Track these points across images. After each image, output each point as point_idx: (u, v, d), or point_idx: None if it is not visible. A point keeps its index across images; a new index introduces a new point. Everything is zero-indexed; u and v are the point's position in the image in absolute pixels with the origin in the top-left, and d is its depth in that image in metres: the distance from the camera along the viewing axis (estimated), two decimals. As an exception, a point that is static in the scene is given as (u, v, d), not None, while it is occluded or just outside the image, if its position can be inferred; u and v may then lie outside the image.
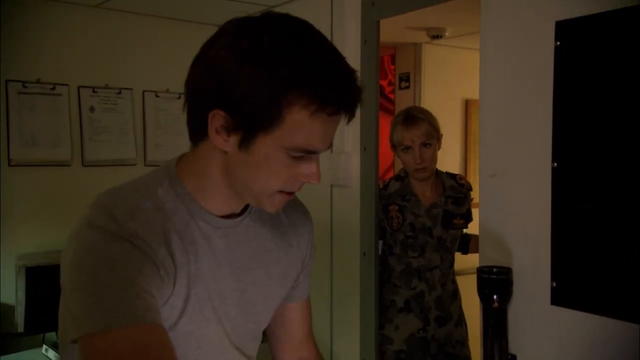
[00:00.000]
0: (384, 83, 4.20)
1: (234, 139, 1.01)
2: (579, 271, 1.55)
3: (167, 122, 3.38)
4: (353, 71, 1.02)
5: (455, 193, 2.70)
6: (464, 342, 2.73)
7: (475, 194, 2.56)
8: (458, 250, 2.78)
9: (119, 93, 3.22)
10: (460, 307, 2.74)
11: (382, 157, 2.80)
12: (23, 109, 2.93)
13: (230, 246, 1.13)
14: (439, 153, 2.68)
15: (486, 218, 1.79)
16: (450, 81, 3.96)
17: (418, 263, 2.62)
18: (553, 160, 1.59)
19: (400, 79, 4.04)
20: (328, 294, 2.81)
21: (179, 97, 3.42)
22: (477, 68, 1.82)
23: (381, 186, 2.68)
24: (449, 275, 2.70)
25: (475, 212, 2.38)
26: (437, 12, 3.13)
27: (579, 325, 1.56)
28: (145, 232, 1.00)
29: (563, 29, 1.55)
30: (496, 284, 1.64)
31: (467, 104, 4.08)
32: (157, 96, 3.35)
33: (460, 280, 2.75)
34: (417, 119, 2.59)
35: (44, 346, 2.73)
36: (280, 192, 1.06)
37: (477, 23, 1.84)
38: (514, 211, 1.72)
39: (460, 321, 2.73)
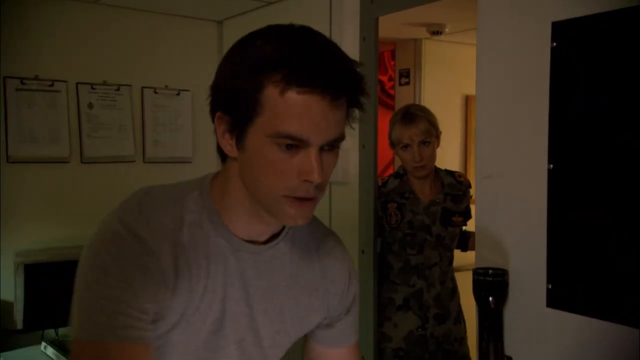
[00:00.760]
0: (384, 78, 4.18)
1: (234, 141, 1.02)
2: (575, 274, 1.55)
3: (165, 118, 3.38)
4: (340, 56, 0.98)
5: (454, 190, 2.69)
6: (462, 339, 2.72)
7: (474, 192, 2.55)
8: (457, 248, 2.78)
9: (118, 89, 3.21)
10: (459, 305, 2.73)
11: (382, 154, 2.79)
12: (21, 105, 2.93)
13: (247, 271, 1.10)
14: (439, 150, 2.67)
15: (482, 219, 1.78)
16: (451, 77, 3.95)
17: (417, 261, 2.61)
18: (549, 162, 1.59)
19: (400, 75, 4.03)
20: (326, 291, 2.81)
21: (178, 94, 3.41)
22: (476, 65, 1.81)
23: (380, 184, 2.67)
24: (447, 272, 2.69)
25: (474, 210, 2.37)
26: (436, 9, 3.12)
27: (575, 328, 1.55)
28: (154, 240, 1.00)
29: (559, 29, 1.54)
30: (492, 285, 1.63)
31: (468, 100, 4.07)
32: (155, 93, 3.34)
33: (459, 277, 2.74)
34: (416, 117, 2.57)
35: (43, 343, 2.74)
36: (287, 197, 1.00)
37: (476, 19, 1.83)
38: (510, 213, 1.71)
39: (459, 319, 2.73)
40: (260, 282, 1.11)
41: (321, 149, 0.98)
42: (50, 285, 2.83)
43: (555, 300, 1.58)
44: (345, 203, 2.64)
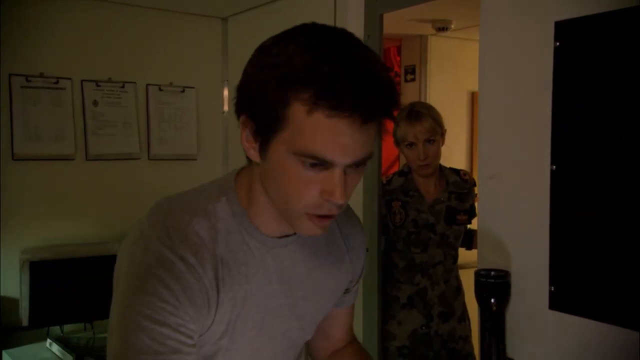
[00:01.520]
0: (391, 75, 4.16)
1: (257, 147, 0.99)
2: (578, 276, 1.53)
3: (170, 115, 3.37)
4: (376, 72, 0.91)
5: (459, 189, 2.68)
6: (467, 338, 2.71)
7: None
8: (462, 246, 2.77)
9: (123, 87, 3.21)
10: (464, 303, 2.73)
11: (387, 151, 2.78)
12: (26, 103, 2.93)
13: (283, 265, 1.12)
14: (444, 148, 2.65)
15: (485, 220, 1.77)
16: (457, 73, 3.93)
17: (421, 259, 2.60)
18: (552, 163, 1.57)
19: (406, 72, 4.01)
20: (331, 289, 2.80)
21: (183, 91, 3.41)
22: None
23: (384, 181, 2.66)
24: (452, 271, 2.68)
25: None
26: (442, 5, 3.10)
27: (577, 330, 1.54)
28: (195, 257, 1.00)
29: (563, 29, 1.52)
30: (494, 287, 1.62)
31: (474, 97, 4.04)
32: (160, 90, 3.34)
33: (463, 275, 2.73)
34: (421, 115, 2.56)
35: (48, 340, 2.75)
36: (308, 213, 0.97)
37: (481, 17, 1.82)
38: (512, 214, 1.69)
39: (464, 317, 2.72)
40: (297, 270, 1.14)
41: (347, 167, 0.94)
42: (55, 283, 2.84)
43: (557, 302, 1.57)
44: (349, 201, 2.63)
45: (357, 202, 2.56)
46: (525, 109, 1.66)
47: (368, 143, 0.94)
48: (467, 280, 2.69)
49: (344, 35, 0.96)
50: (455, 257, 2.69)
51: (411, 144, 2.56)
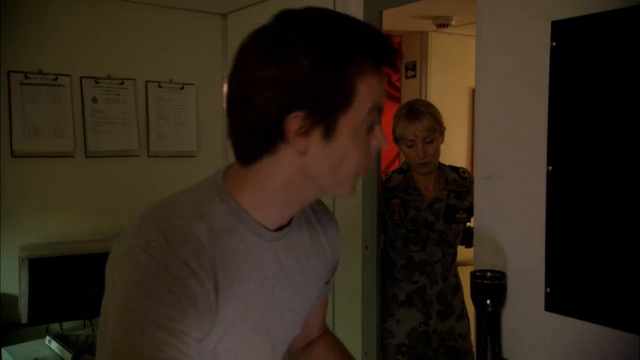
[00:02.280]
0: (391, 71, 4.15)
1: (316, 135, 1.00)
2: (574, 277, 1.52)
3: (170, 112, 3.37)
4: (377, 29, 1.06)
5: (458, 187, 2.67)
6: (466, 335, 2.71)
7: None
8: (461, 244, 2.76)
9: (122, 83, 3.21)
10: (463, 301, 2.72)
11: (386, 149, 2.77)
12: (25, 99, 2.93)
13: (277, 258, 1.13)
14: (445, 145, 2.64)
15: (481, 221, 1.76)
16: (457, 70, 3.90)
17: (420, 257, 2.60)
18: (548, 163, 1.56)
19: (407, 68, 3.99)
20: (330, 287, 2.80)
21: (182, 88, 3.41)
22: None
23: (383, 179, 2.66)
24: (451, 269, 2.68)
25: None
26: (442, 1, 3.08)
27: (574, 332, 1.53)
28: (196, 260, 0.99)
29: (559, 29, 1.50)
30: (490, 288, 1.62)
31: (474, 93, 4.02)
32: (160, 86, 3.34)
33: (462, 272, 2.72)
34: (421, 113, 2.55)
35: (47, 337, 2.76)
36: (358, 172, 1.06)
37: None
38: (508, 214, 1.68)
39: (463, 315, 2.71)
40: (289, 262, 1.15)
41: None
42: (54, 280, 2.85)
43: (553, 304, 1.56)
44: (348, 199, 2.62)
45: (356, 199, 2.56)
46: (521, 110, 1.65)
47: None
48: (466, 277, 2.69)
49: (327, 10, 1.05)
50: (454, 255, 2.69)
51: (410, 142, 2.55)
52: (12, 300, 2.86)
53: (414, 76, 3.94)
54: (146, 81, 3.29)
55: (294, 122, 0.99)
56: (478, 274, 1.64)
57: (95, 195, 3.13)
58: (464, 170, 2.76)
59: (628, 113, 1.40)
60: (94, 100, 3.13)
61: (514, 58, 1.66)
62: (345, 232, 2.70)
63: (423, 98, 3.78)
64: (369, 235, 2.53)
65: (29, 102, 2.94)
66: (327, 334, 1.48)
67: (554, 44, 1.52)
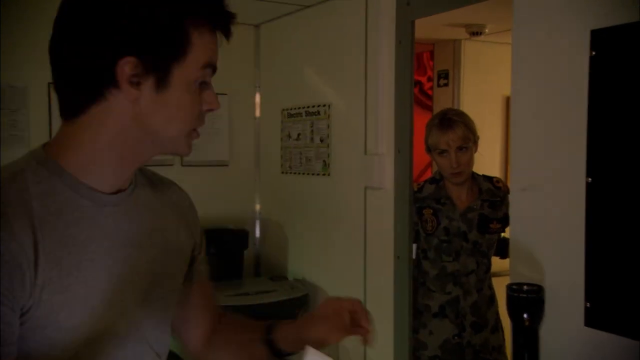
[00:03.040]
0: (423, 79, 4.13)
1: (148, 84, 0.97)
2: (615, 292, 1.49)
3: (203, 122, 3.39)
4: None
5: (492, 196, 2.63)
6: (500, 348, 2.67)
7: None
8: (496, 255, 2.72)
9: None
10: (497, 313, 2.68)
11: (419, 158, 2.74)
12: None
13: (121, 227, 1.05)
14: (478, 154, 2.61)
15: (517, 233, 1.73)
16: (491, 78, 3.85)
17: (453, 267, 2.57)
18: (587, 175, 1.53)
19: (439, 77, 3.96)
20: (362, 297, 2.78)
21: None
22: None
23: (415, 189, 2.63)
24: (485, 280, 2.64)
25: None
26: (476, 9, 3.05)
27: (615, 349, 1.49)
28: (5, 224, 0.91)
29: (599, 38, 1.47)
30: (526, 302, 1.58)
31: (508, 102, 3.97)
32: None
33: (496, 283, 2.68)
34: (454, 122, 2.53)
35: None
36: (194, 130, 1.06)
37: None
38: (546, 227, 1.65)
39: (497, 327, 2.67)
40: (136, 231, 1.08)
41: None
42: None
43: (594, 319, 1.52)
44: (380, 208, 2.61)
45: (388, 209, 2.54)
46: (559, 120, 1.62)
47: None
48: (501, 288, 2.65)
49: None
50: (488, 266, 2.65)
51: (443, 152, 2.53)
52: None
53: (446, 84, 3.91)
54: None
55: (125, 67, 0.95)
56: (514, 287, 1.61)
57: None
58: (498, 180, 2.73)
59: (671, 124, 1.37)
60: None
61: (550, 66, 1.63)
62: (377, 242, 2.70)
63: (456, 107, 3.75)
64: (400, 245, 2.50)
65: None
66: (228, 316, 1.37)
67: (593, 53, 1.49)
